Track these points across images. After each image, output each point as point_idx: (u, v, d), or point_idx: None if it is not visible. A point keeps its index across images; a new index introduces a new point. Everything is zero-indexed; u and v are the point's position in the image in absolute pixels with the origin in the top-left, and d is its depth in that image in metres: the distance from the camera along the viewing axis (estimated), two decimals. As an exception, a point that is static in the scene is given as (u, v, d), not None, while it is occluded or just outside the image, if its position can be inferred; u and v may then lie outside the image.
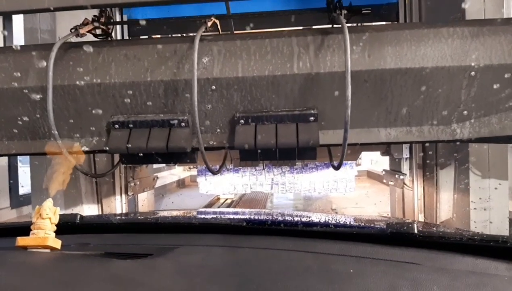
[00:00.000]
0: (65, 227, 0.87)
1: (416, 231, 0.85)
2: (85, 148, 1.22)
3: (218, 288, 0.61)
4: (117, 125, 1.17)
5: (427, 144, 2.60)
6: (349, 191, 4.14)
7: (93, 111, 1.18)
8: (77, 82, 1.14)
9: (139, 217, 1.42)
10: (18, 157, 3.59)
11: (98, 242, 0.93)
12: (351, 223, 1.11)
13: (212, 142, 1.19)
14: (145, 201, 3.65)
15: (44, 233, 0.78)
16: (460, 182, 2.20)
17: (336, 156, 1.52)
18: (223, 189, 4.42)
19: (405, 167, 2.80)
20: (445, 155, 2.31)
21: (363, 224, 1.12)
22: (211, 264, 0.74)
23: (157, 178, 3.74)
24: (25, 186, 3.38)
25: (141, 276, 0.65)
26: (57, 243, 0.79)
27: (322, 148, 1.18)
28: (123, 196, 3.04)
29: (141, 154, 1.16)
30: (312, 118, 1.12)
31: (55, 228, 0.81)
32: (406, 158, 2.76)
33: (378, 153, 3.38)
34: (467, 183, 2.11)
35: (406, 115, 1.13)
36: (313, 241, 0.86)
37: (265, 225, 1.01)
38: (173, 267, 0.71)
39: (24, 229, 0.81)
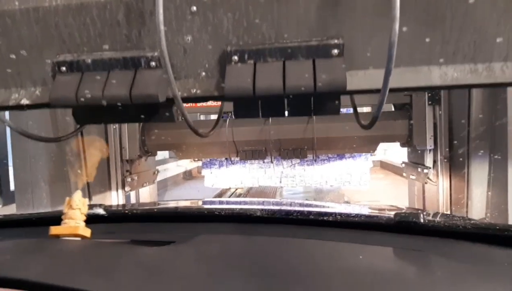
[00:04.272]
0: (89, 217, 0.92)
1: (422, 220, 0.86)
2: (25, 101, 0.92)
3: (237, 275, 0.66)
4: (63, 68, 0.88)
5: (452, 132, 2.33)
6: (363, 184, 3.92)
7: (32, 50, 0.89)
8: (5, 8, 0.85)
9: (159, 207, 1.53)
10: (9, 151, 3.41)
11: (122, 231, 1.01)
12: (361, 212, 1.16)
13: (194, 90, 0.89)
14: (146, 196, 3.47)
15: (75, 223, 0.84)
16: (495, 176, 1.96)
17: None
18: (230, 182, 4.21)
19: (428, 159, 2.54)
20: (478, 145, 2.05)
21: (372, 213, 1.17)
22: (230, 252, 0.80)
23: (158, 171, 3.54)
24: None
25: (166, 263, 0.71)
26: (87, 232, 0.85)
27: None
28: (120, 192, 2.84)
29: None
30: (335, 51, 0.80)
31: (84, 217, 0.86)
32: (430, 149, 2.49)
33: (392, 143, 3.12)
34: (505, 177, 1.91)
35: (470, 46, 0.80)
36: (324, 230, 0.94)
37: (279, 214, 1.05)
38: (195, 254, 0.78)
39: (56, 218, 0.88)
